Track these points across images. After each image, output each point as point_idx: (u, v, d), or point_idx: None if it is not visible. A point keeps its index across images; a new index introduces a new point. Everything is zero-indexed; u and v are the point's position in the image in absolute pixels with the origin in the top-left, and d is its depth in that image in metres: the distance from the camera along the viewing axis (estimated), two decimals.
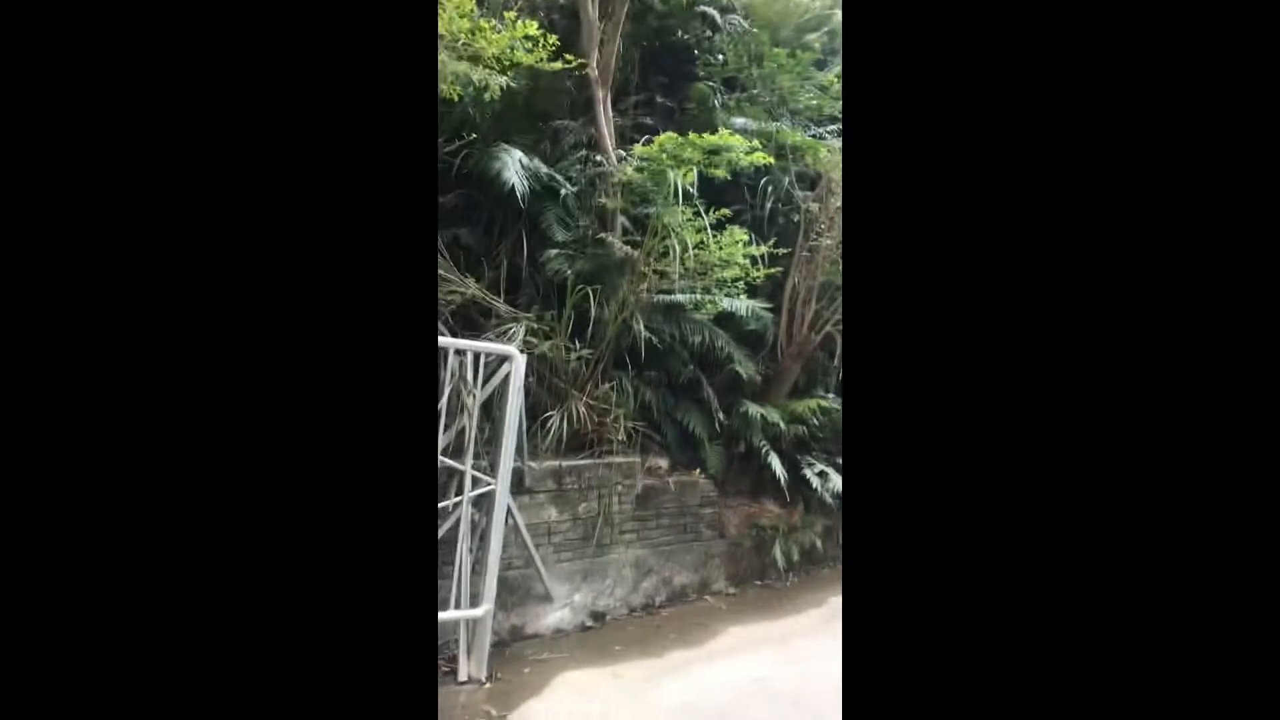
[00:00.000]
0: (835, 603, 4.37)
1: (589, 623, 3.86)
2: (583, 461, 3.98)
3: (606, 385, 4.24)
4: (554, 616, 3.76)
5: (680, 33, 5.75)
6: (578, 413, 4.01)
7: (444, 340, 3.25)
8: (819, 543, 4.90)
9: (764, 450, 4.70)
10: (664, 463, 4.43)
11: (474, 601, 3.21)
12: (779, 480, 4.63)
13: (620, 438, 4.13)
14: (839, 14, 6.69)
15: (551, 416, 3.95)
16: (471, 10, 3.42)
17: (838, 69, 6.25)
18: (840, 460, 5.03)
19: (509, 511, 3.40)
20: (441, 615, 3.11)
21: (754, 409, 4.73)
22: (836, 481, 4.83)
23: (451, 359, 3.21)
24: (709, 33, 5.81)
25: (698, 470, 4.53)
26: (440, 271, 3.79)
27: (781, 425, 4.82)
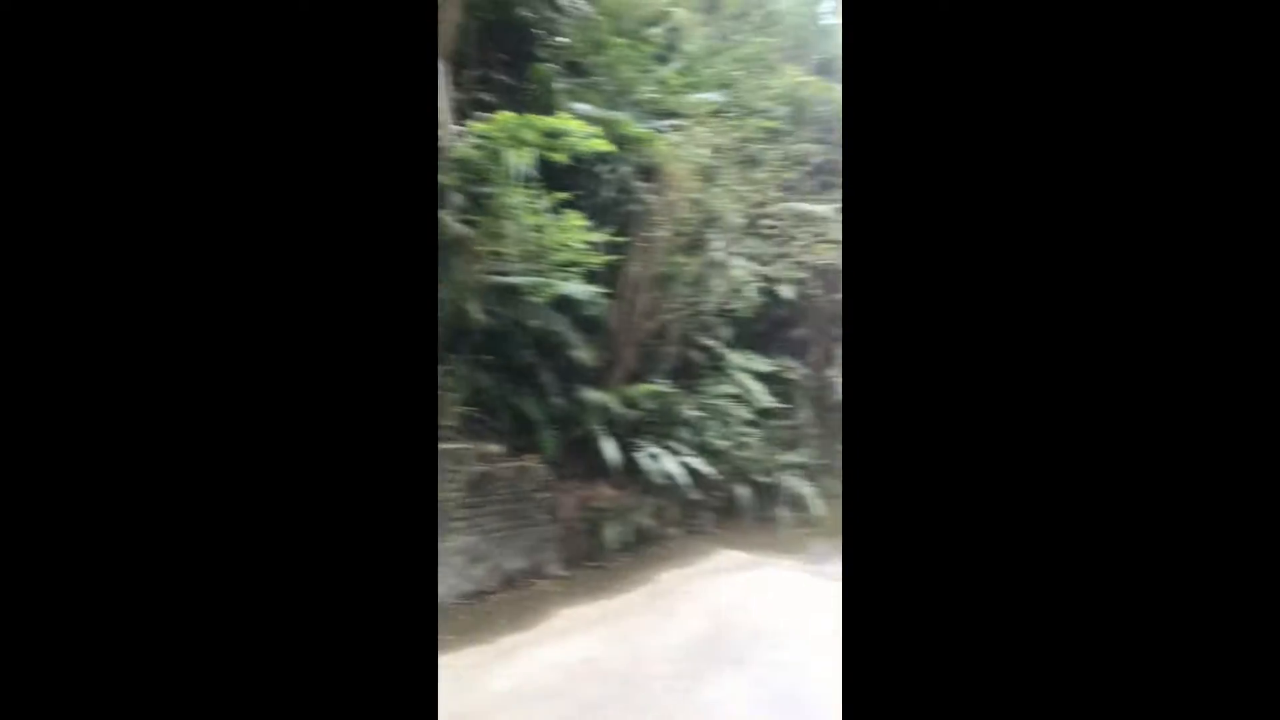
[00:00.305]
0: (665, 579, 4.57)
1: None
2: None
3: (439, 369, 4.08)
4: None
5: (522, 10, 5.63)
6: None
7: None
8: (649, 523, 5.09)
9: (599, 435, 4.78)
10: (498, 449, 4.37)
11: None
12: (612, 464, 4.73)
13: (452, 424, 4.01)
14: (680, 11, 6.90)
15: None
16: None
17: (679, 64, 6.45)
18: (671, 444, 5.24)
19: None
20: None
21: (591, 394, 4.79)
22: (668, 463, 5.03)
23: None
24: (552, 14, 5.74)
25: (532, 455, 4.51)
26: None
27: (617, 410, 4.92)
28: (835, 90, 7.32)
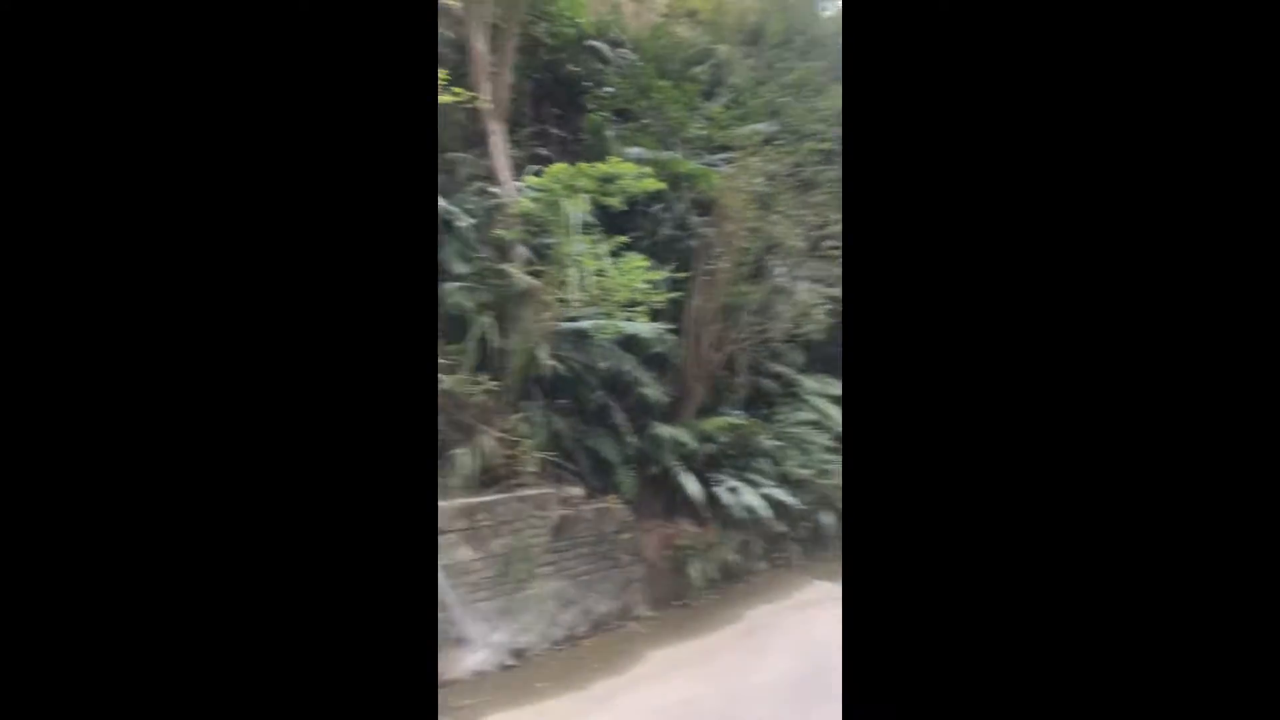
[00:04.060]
0: (754, 615, 4.46)
1: (510, 661, 3.75)
2: (495, 497, 3.90)
3: (515, 416, 4.19)
4: (473, 659, 3.63)
5: (571, 65, 5.86)
6: (487, 447, 3.93)
7: None
8: (734, 558, 4.99)
9: (677, 471, 4.76)
10: (578, 491, 4.41)
11: None
12: (692, 500, 4.69)
13: (532, 469, 4.08)
14: (723, 48, 7.02)
15: (460, 452, 3.86)
16: None
17: (725, 98, 6.54)
18: (750, 476, 5.16)
19: None
20: None
21: (664, 430, 4.79)
22: (748, 496, 4.94)
23: None
24: (599, 65, 5.95)
25: (612, 496, 4.53)
26: None
27: (692, 445, 4.90)
28: None
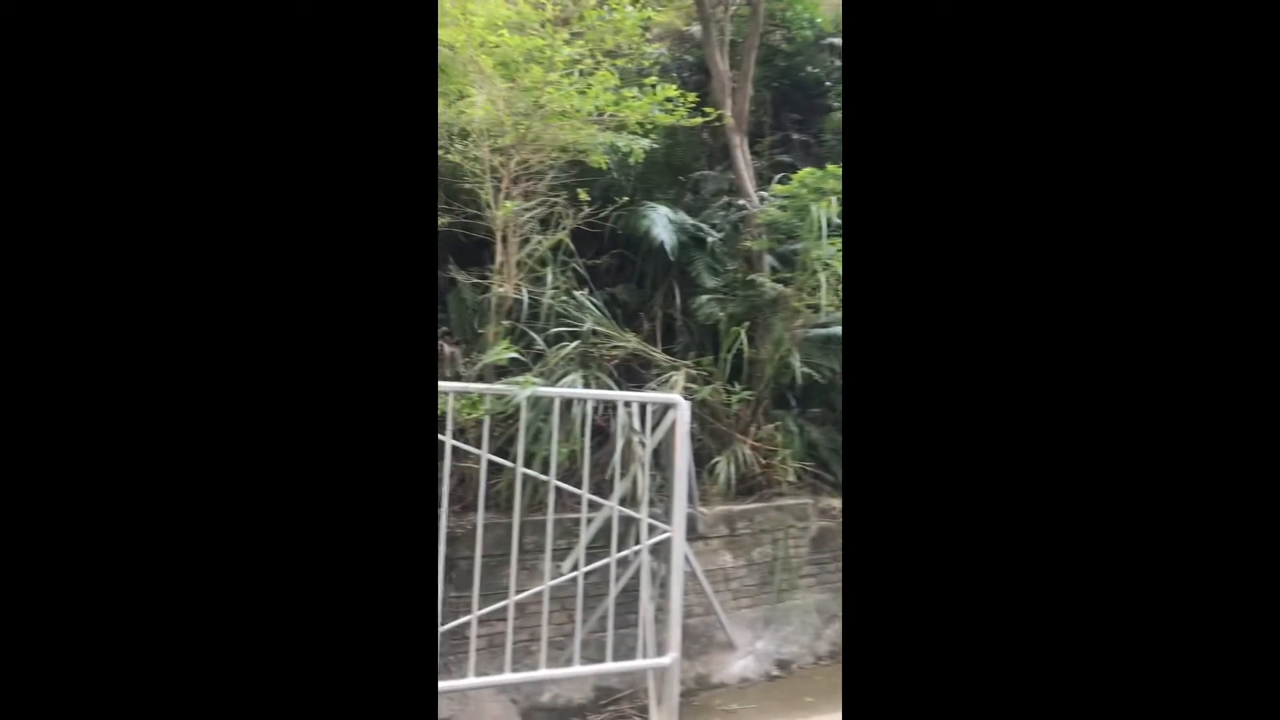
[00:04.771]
0: None
1: (775, 672, 3.75)
2: (754, 505, 3.93)
3: (770, 425, 4.19)
4: (739, 665, 3.69)
5: (809, 68, 5.76)
6: (744, 456, 3.99)
7: (611, 393, 3.39)
8: None
9: None
10: (836, 503, 4.27)
11: (659, 650, 3.24)
12: None
13: (789, 478, 4.05)
14: None
15: (718, 461, 3.96)
16: (615, 83, 3.65)
17: None
18: None
19: (686, 558, 3.42)
20: (629, 664, 3.16)
21: None
22: None
23: (620, 411, 3.33)
24: (838, 63, 5.77)
25: None
26: (601, 328, 3.98)
27: None
28: None
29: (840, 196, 4.24)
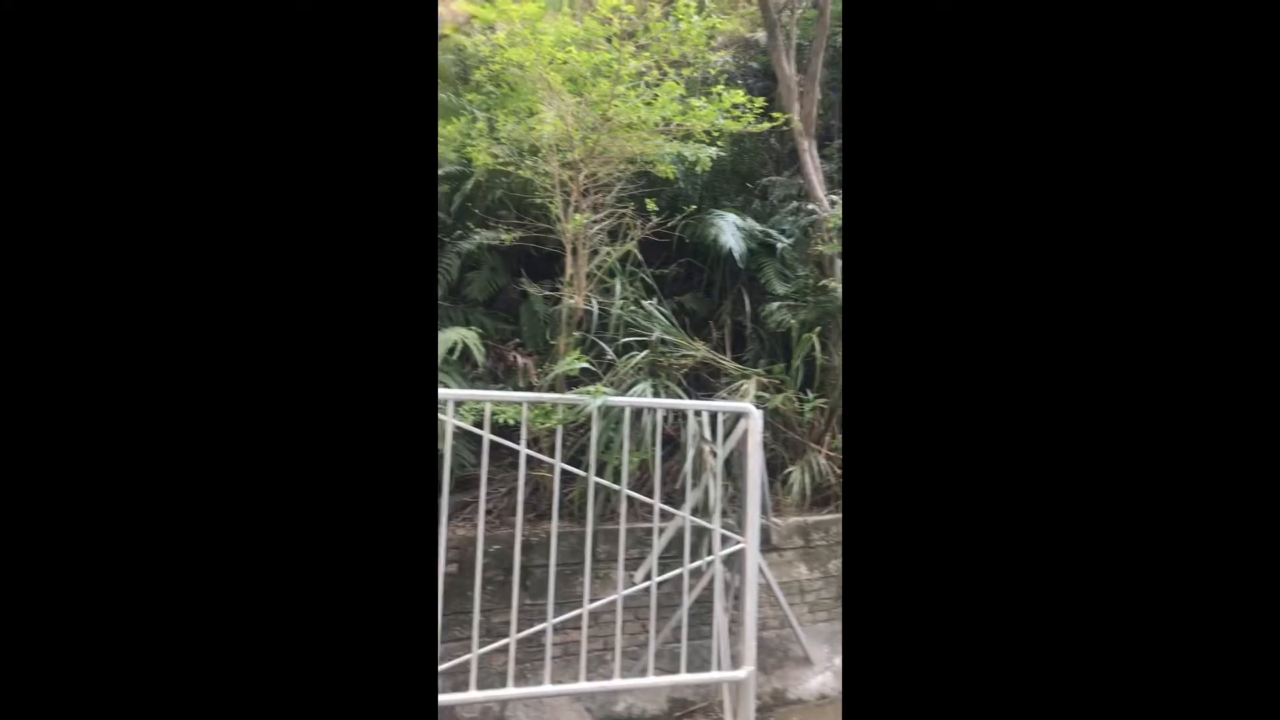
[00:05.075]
0: None
1: None
2: (829, 516, 3.83)
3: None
4: (816, 681, 3.59)
5: None
6: (818, 465, 3.90)
7: (682, 402, 3.37)
8: None
9: None
10: None
11: (734, 663, 3.19)
12: None
13: None
14: None
15: (792, 471, 3.89)
16: (681, 93, 3.65)
17: None
18: None
19: (760, 570, 3.36)
20: (704, 676, 3.12)
21: None
22: None
23: (691, 421, 3.31)
24: None
25: None
26: (669, 337, 3.98)
27: None
28: None
29: None
